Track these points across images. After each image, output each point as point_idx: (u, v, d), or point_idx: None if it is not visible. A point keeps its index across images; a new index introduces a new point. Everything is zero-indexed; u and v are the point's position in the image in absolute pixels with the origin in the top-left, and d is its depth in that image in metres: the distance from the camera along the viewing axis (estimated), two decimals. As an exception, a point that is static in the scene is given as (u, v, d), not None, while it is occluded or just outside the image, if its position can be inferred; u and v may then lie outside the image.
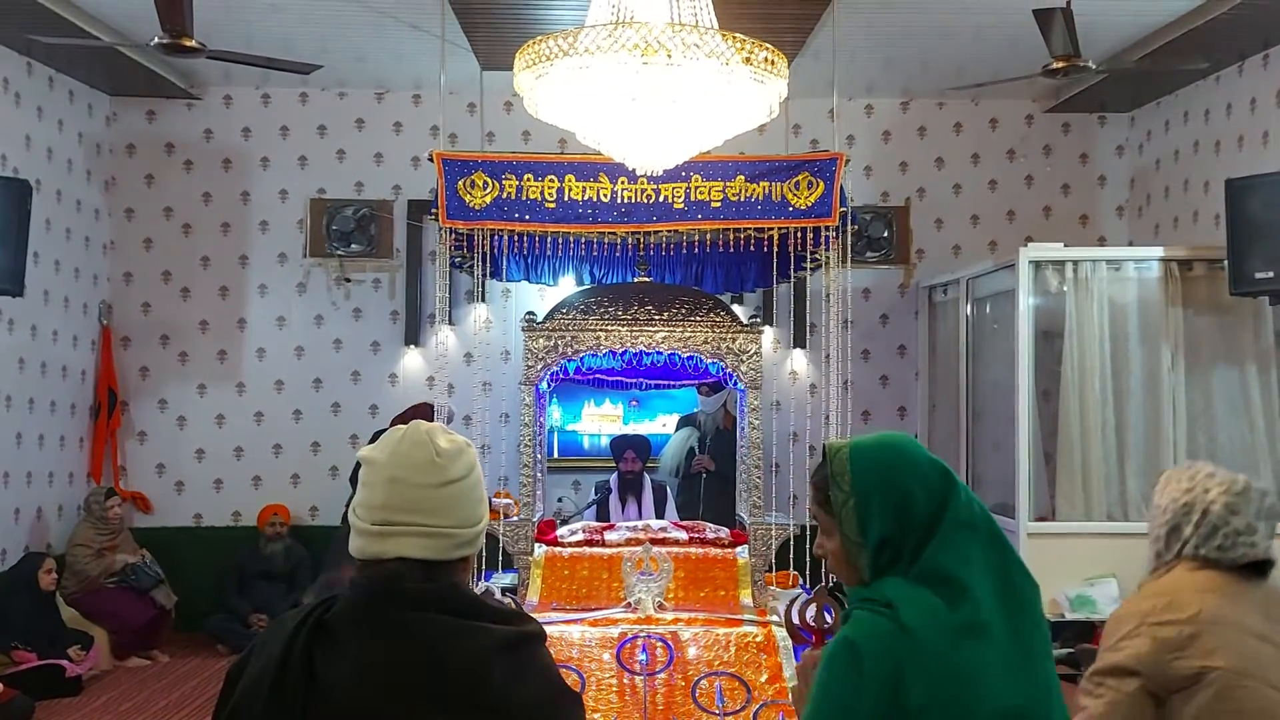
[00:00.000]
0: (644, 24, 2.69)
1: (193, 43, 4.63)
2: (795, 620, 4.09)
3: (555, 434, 7.29)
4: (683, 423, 7.10)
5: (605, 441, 7.12)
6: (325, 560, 6.42)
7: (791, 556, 5.03)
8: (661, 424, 7.34)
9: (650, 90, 2.77)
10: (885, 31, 6.25)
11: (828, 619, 3.86)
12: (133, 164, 7.46)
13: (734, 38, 2.78)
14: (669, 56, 2.63)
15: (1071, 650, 5.48)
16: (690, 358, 4.99)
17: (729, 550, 5.11)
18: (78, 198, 7.07)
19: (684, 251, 5.30)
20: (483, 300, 6.45)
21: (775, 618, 4.58)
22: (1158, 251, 5.95)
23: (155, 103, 7.44)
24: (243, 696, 1.46)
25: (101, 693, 5.91)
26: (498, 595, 4.09)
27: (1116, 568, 5.64)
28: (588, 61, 2.70)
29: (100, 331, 7.26)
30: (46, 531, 6.70)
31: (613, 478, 6.25)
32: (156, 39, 4.65)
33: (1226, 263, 5.53)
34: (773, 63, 2.86)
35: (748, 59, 2.75)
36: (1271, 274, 5.30)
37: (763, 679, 4.35)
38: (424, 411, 5.39)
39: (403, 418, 5.40)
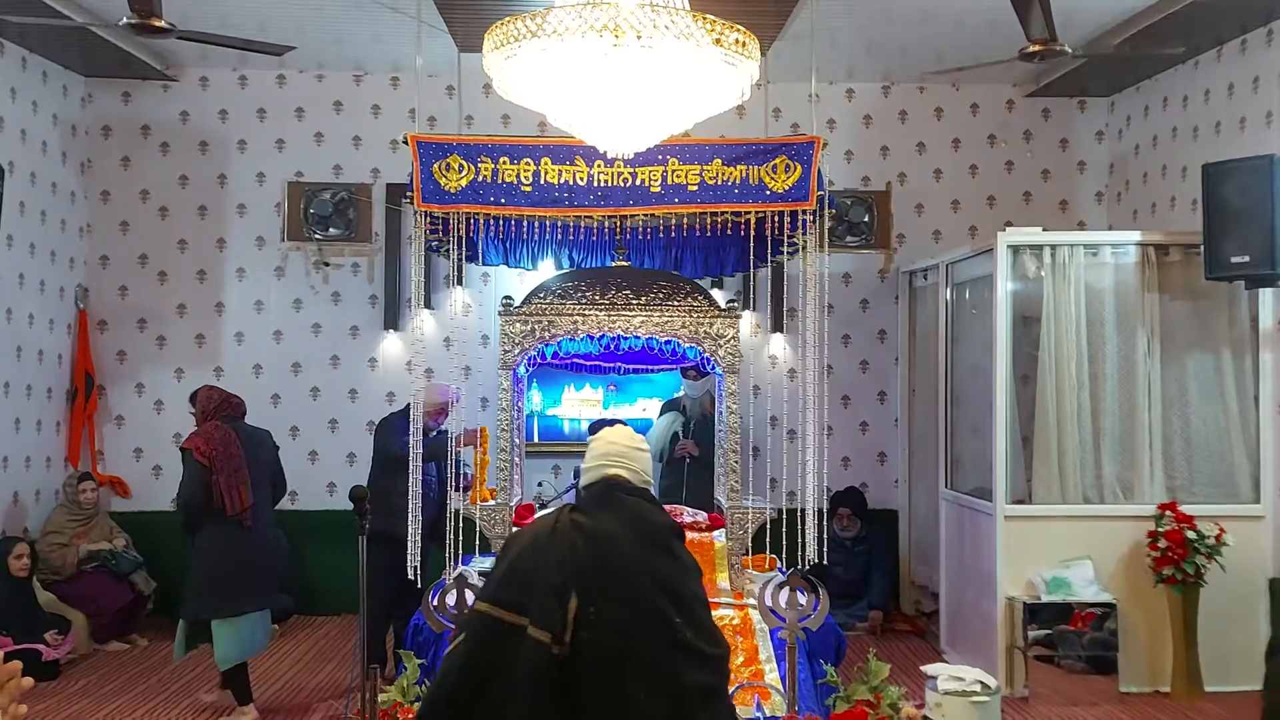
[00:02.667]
0: (613, 4, 2.66)
1: (162, 23, 4.58)
2: (769, 603, 4.10)
3: (535, 418, 7.29)
4: (666, 408, 7.10)
5: (585, 426, 7.12)
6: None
7: (768, 540, 5.05)
8: (641, 408, 7.35)
9: (620, 72, 2.75)
10: (865, 15, 6.24)
11: (800, 602, 3.88)
12: (108, 146, 7.40)
13: (705, 19, 2.76)
14: (639, 37, 2.61)
15: (1049, 632, 5.54)
16: (668, 342, 4.99)
17: (706, 534, 5.13)
18: (53, 180, 7.00)
19: (662, 236, 5.29)
20: (461, 284, 6.43)
21: (751, 601, 4.59)
22: (1135, 236, 5.98)
23: (131, 84, 7.37)
24: (529, 533, 2.43)
25: (79, 677, 5.90)
26: (474, 580, 4.08)
27: (1092, 550, 5.69)
28: (556, 43, 2.68)
29: (77, 315, 7.21)
30: (24, 517, 6.66)
31: (592, 462, 6.24)
32: (125, 19, 4.59)
33: (1203, 248, 5.56)
34: (744, 44, 2.84)
35: (718, 40, 2.72)
36: (1247, 258, 5.34)
37: (739, 661, 4.36)
38: (234, 403, 5.46)
39: (220, 404, 5.40)
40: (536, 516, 2.35)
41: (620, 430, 2.68)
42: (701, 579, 2.54)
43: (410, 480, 4.85)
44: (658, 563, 2.38)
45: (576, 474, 6.45)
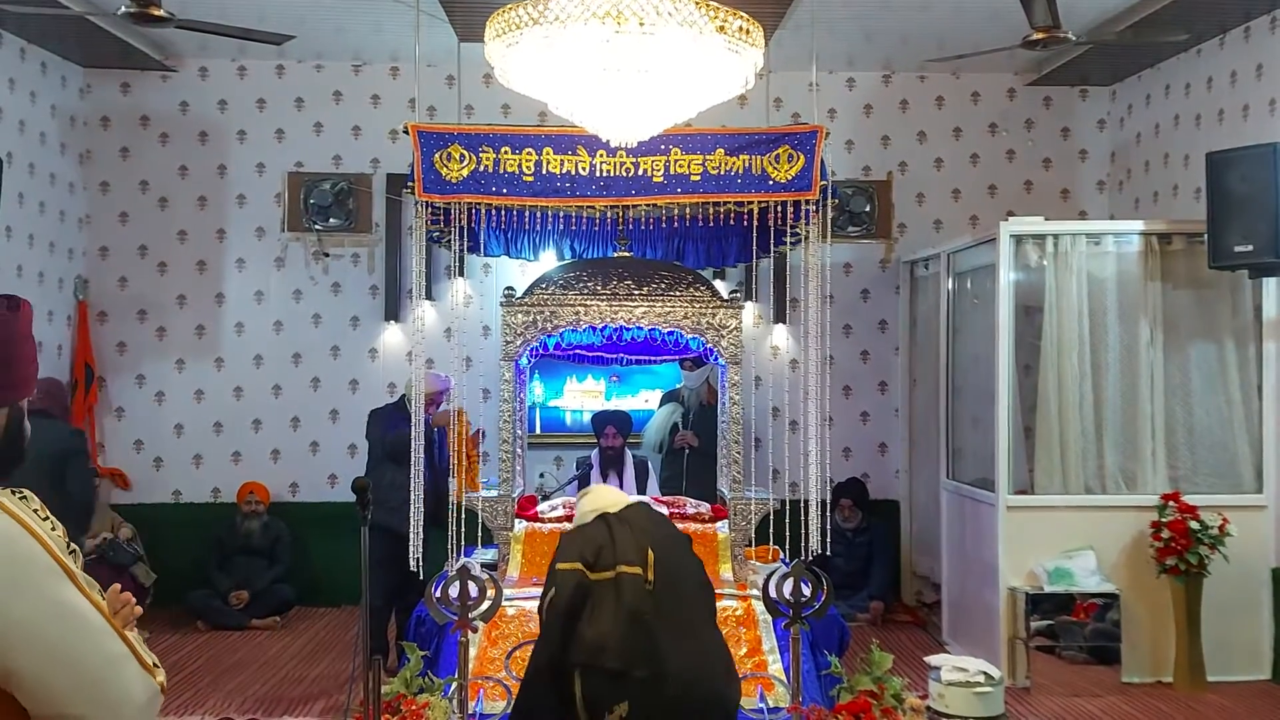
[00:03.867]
0: (615, -9, 2.64)
1: (161, 12, 4.55)
2: (774, 594, 4.10)
3: (537, 410, 7.28)
4: (666, 399, 7.09)
5: (587, 417, 7.10)
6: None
7: (771, 531, 5.04)
8: (644, 399, 7.33)
9: (622, 60, 2.73)
10: (865, 4, 6.21)
11: (804, 592, 3.87)
12: (107, 137, 7.37)
13: (708, 6, 2.74)
14: (641, 24, 2.59)
15: (1051, 622, 5.54)
16: (670, 333, 4.98)
17: (709, 525, 5.12)
18: (51, 171, 6.97)
19: (664, 226, 5.27)
20: (462, 275, 6.40)
21: (755, 591, 4.59)
22: (1138, 225, 5.96)
23: (130, 75, 7.34)
24: (583, 527, 3.13)
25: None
26: (477, 572, 4.08)
27: (1094, 540, 5.68)
28: (558, 30, 2.66)
29: (76, 306, 7.19)
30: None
31: (594, 453, 6.24)
32: (124, 8, 4.56)
33: (1206, 237, 5.54)
34: (747, 32, 2.82)
35: (721, 27, 2.70)
36: (1250, 248, 5.32)
37: (742, 652, 4.36)
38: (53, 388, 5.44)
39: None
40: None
41: (608, 490, 3.35)
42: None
43: (411, 471, 4.84)
44: (680, 541, 3.26)
45: (578, 465, 6.45)
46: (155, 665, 1.58)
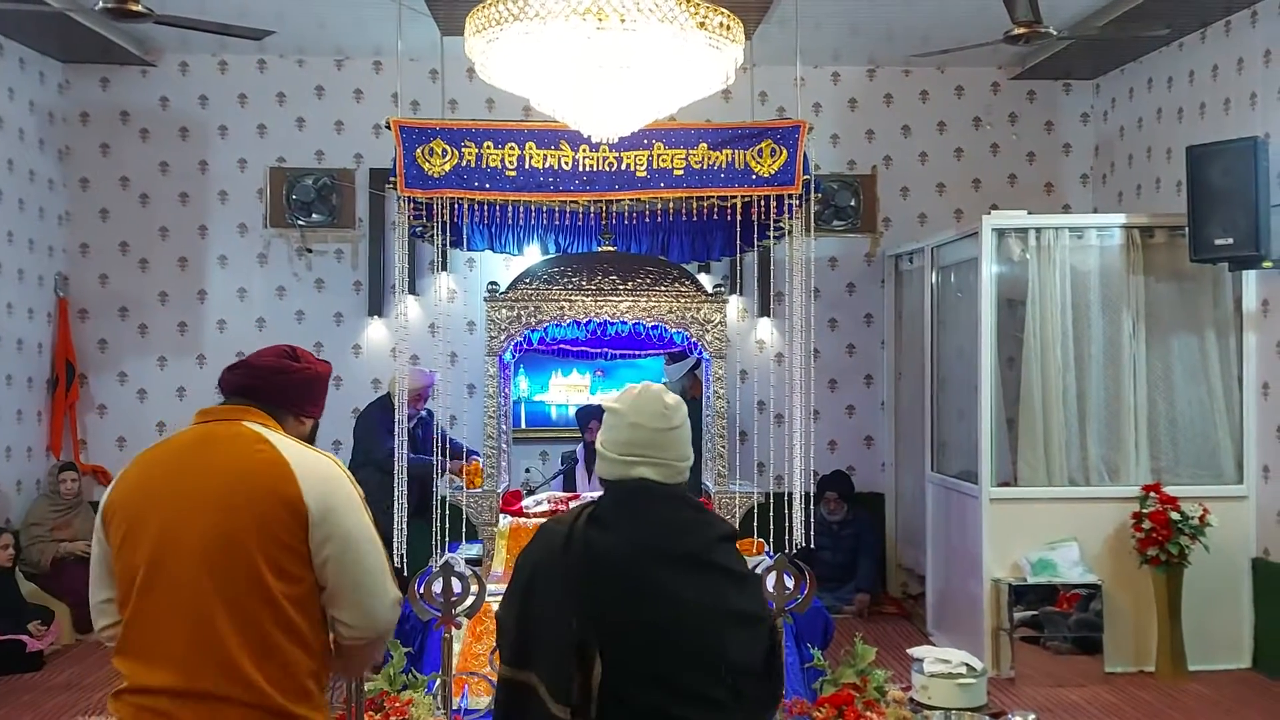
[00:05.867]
0: (596, -13, 2.64)
1: (139, 7, 4.51)
2: (757, 588, 4.10)
3: (523, 404, 7.27)
4: (650, 393, 7.08)
5: (573, 411, 7.10)
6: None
7: (756, 524, 5.05)
8: (628, 394, 7.32)
9: (603, 56, 2.72)
10: (850, -2, 6.21)
11: (787, 585, 3.88)
12: (87, 133, 7.31)
13: (689, 2, 2.74)
14: (622, 21, 2.58)
15: (1035, 613, 5.57)
16: (655, 327, 4.98)
17: (694, 519, 5.12)
18: (30, 168, 6.92)
19: (649, 220, 5.27)
20: (445, 270, 6.39)
21: (739, 585, 4.59)
22: (1119, 219, 5.99)
23: (109, 70, 7.28)
24: (539, 555, 2.03)
25: (64, 667, 5.86)
26: (461, 568, 4.07)
27: (1077, 532, 5.72)
28: (538, 26, 2.65)
29: (56, 304, 7.14)
30: (7, 507, 6.61)
31: (579, 448, 6.24)
32: (101, 3, 4.53)
33: (1187, 230, 5.57)
34: (728, 28, 2.82)
35: (702, 24, 2.70)
36: (1231, 241, 5.35)
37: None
38: None
39: None
40: (547, 523, 2.11)
41: (645, 401, 2.10)
42: (757, 588, 2.16)
43: (395, 469, 4.82)
44: (692, 588, 1.97)
45: (563, 460, 6.45)
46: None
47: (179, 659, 1.99)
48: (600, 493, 2.16)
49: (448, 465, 5.21)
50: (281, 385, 2.22)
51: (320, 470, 2.11)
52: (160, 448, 2.26)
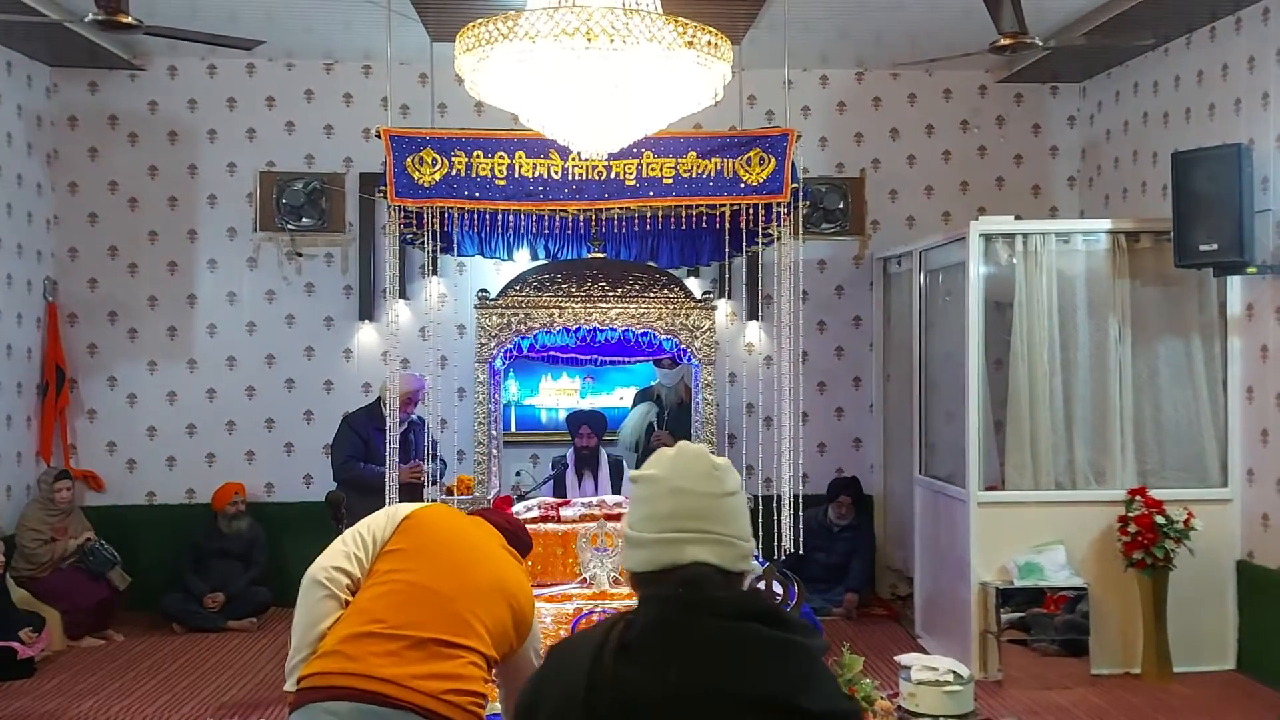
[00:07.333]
0: (584, 8, 2.65)
1: (129, 19, 4.51)
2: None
3: (513, 408, 7.29)
4: (640, 397, 7.11)
5: (563, 415, 7.12)
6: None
7: (745, 530, 5.07)
8: (618, 397, 7.36)
9: (592, 75, 2.74)
10: (839, 2, 6.23)
11: (776, 593, 3.91)
12: (75, 137, 7.29)
13: (677, 21, 2.76)
14: (610, 41, 2.60)
15: (1022, 615, 5.62)
16: (644, 334, 5.01)
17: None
18: (19, 172, 6.90)
19: (638, 226, 5.29)
20: (436, 275, 6.40)
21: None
22: (1105, 224, 6.03)
23: (97, 74, 7.26)
24: (552, 705, 1.44)
25: (55, 674, 5.87)
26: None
27: (1064, 535, 5.76)
28: (528, 46, 2.67)
29: (46, 309, 7.13)
30: (-4, 513, 6.61)
31: (569, 453, 6.26)
32: (91, 15, 4.52)
33: (1172, 235, 5.62)
34: (716, 46, 2.84)
35: (690, 43, 2.72)
36: (1215, 246, 5.39)
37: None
38: None
39: None
40: (562, 649, 1.56)
41: (687, 461, 1.58)
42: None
43: (387, 475, 4.84)
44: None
45: (554, 464, 6.47)
46: None
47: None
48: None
49: (399, 471, 5.21)
50: (514, 535, 2.92)
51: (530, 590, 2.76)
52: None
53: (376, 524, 2.68)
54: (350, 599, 2.56)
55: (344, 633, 2.46)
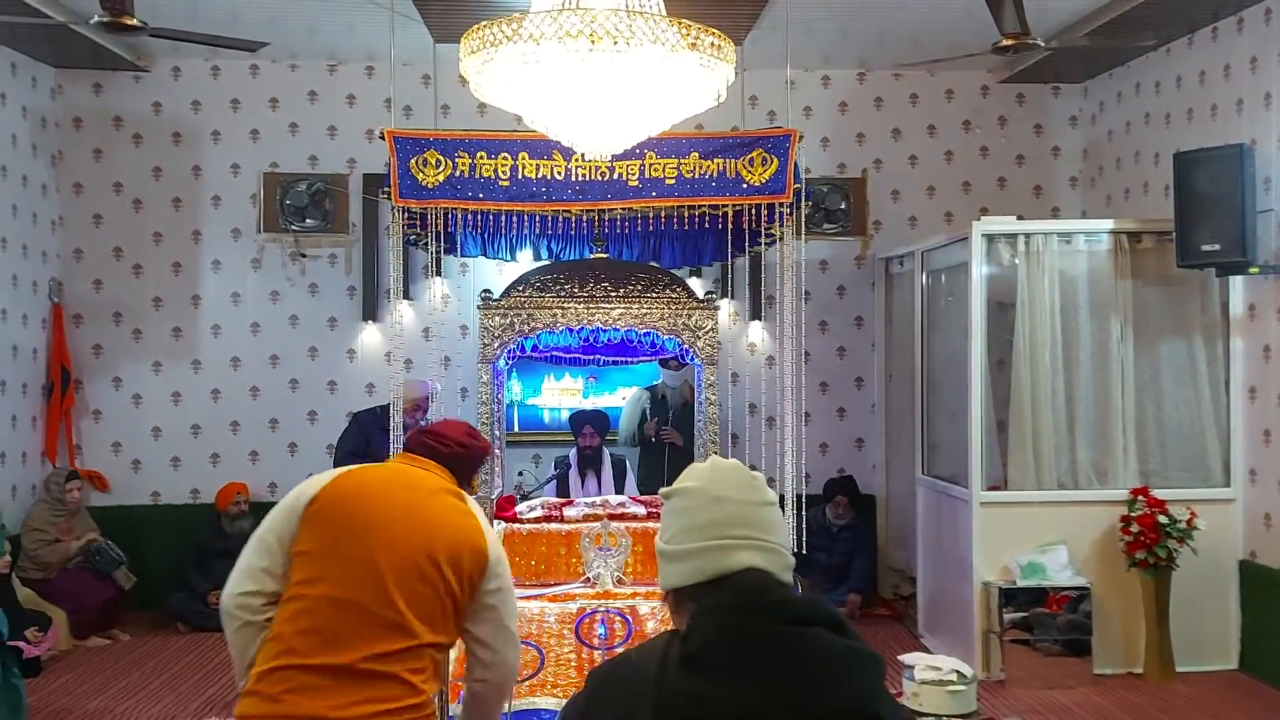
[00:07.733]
0: (588, 10, 2.67)
1: (134, 21, 4.53)
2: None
3: (515, 408, 7.30)
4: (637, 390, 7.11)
5: (565, 415, 7.14)
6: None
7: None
8: (621, 397, 7.37)
9: (596, 77, 2.76)
10: (841, 2, 6.25)
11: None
12: (80, 138, 7.32)
13: (680, 24, 2.77)
14: (614, 44, 2.62)
15: (1025, 615, 5.63)
16: (647, 334, 5.01)
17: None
18: (24, 173, 6.92)
19: (640, 226, 5.30)
20: (439, 275, 6.41)
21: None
22: (1107, 224, 6.04)
23: (101, 75, 7.29)
24: None
25: (61, 673, 5.89)
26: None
27: (1067, 535, 5.77)
28: (531, 49, 2.69)
29: (51, 309, 7.15)
30: (2, 513, 6.62)
31: (572, 453, 6.27)
32: (96, 17, 4.54)
33: (1174, 235, 5.63)
34: (719, 48, 2.85)
35: (694, 45, 2.74)
36: (1217, 246, 5.40)
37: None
38: None
39: None
40: (614, 667, 1.49)
41: (724, 472, 1.55)
42: None
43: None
44: None
45: (556, 464, 6.48)
46: None
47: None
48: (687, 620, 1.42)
49: None
50: (462, 458, 2.69)
51: (494, 533, 2.61)
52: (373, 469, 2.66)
53: (277, 521, 2.51)
54: (270, 616, 2.44)
55: (261, 668, 2.36)
